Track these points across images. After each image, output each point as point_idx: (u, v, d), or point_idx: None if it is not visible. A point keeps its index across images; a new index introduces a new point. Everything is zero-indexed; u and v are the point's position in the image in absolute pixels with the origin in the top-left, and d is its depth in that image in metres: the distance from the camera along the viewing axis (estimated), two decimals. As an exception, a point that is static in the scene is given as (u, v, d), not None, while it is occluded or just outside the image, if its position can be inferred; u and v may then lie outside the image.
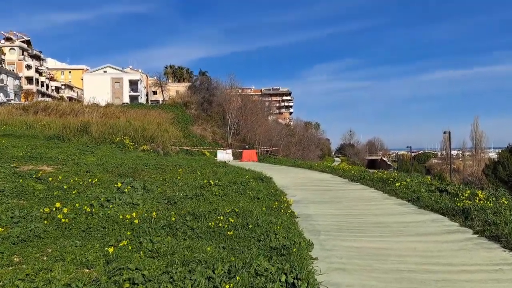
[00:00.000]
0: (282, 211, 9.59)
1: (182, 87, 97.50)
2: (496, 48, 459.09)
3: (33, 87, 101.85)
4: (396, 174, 15.79)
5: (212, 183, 12.23)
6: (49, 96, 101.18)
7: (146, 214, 8.31)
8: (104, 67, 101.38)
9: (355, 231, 8.22)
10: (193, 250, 6.05)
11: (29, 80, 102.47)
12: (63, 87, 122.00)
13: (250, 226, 7.48)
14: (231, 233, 7.01)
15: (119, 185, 10.83)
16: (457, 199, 10.52)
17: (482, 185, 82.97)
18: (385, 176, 15.36)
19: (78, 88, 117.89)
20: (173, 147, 34.63)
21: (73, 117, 36.90)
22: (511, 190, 49.04)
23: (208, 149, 48.04)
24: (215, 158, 35.46)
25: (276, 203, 10.38)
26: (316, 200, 12.29)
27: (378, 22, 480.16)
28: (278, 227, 7.59)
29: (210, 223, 7.47)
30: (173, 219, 7.86)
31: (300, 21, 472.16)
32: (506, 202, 9.49)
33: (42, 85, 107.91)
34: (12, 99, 79.54)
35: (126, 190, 10.57)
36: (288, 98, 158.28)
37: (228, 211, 8.58)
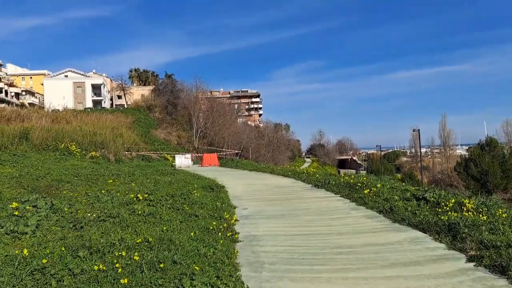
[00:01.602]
0: (220, 234, 7.38)
1: (147, 90, 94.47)
2: (458, 47, 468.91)
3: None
4: (365, 178, 13.76)
5: (141, 197, 9.90)
6: (8, 102, 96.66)
7: (27, 250, 6.00)
8: (65, 72, 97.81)
9: (312, 263, 6.08)
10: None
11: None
12: (23, 93, 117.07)
13: (161, 265, 5.25)
14: (126, 280, 4.77)
15: (15, 204, 8.43)
16: (439, 210, 8.53)
17: (452, 182, 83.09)
18: (352, 181, 13.32)
19: (40, 94, 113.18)
20: (126, 153, 32.03)
21: (19, 123, 33.87)
22: (483, 187, 48.36)
23: (171, 153, 45.47)
24: (173, 163, 33.01)
25: (215, 222, 8.16)
26: (270, 213, 10.13)
27: (340, 23, 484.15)
28: (203, 264, 5.41)
29: (100, 265, 5.18)
30: (55, 257, 5.57)
31: (265, 22, 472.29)
32: (504, 215, 7.49)
33: (1, 92, 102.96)
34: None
35: (25, 211, 8.19)
36: (257, 100, 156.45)
37: (138, 241, 6.30)
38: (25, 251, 5.75)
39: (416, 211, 8.77)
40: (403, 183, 17.22)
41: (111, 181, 13.40)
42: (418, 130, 58.22)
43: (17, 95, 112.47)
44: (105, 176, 14.71)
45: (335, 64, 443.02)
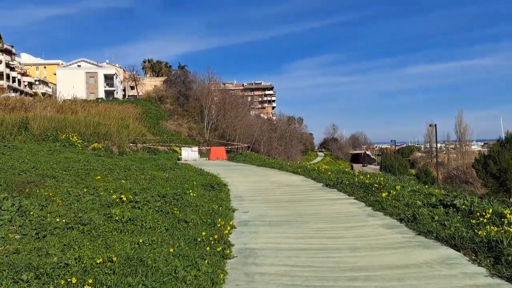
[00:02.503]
0: (209, 248, 6.08)
1: (159, 81, 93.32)
2: (477, 42, 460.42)
3: (4, 83, 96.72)
4: (382, 178, 12.31)
5: (125, 199, 8.64)
6: (21, 92, 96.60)
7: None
8: (78, 61, 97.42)
9: (317, 292, 4.77)
10: None
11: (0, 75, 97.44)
12: (36, 82, 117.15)
13: (119, 298, 3.98)
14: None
15: (-26, 206, 7.23)
16: (474, 222, 7.11)
17: (467, 179, 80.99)
18: (367, 181, 11.90)
19: (53, 84, 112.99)
20: (131, 144, 30.88)
21: (23, 112, 32.90)
22: (502, 186, 46.38)
23: (181, 146, 44.27)
24: (179, 156, 31.76)
25: (205, 231, 6.86)
26: (273, 219, 8.80)
27: (360, 15, 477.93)
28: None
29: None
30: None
31: (283, 14, 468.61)
32: None
33: (14, 81, 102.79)
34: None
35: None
36: (271, 92, 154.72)
37: (99, 261, 5.02)
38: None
39: (445, 222, 7.36)
40: (422, 184, 15.85)
41: (99, 177, 12.16)
42: (435, 125, 56.18)
43: (30, 84, 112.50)
44: (97, 170, 13.51)
45: (352, 57, 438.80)
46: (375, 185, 11.29)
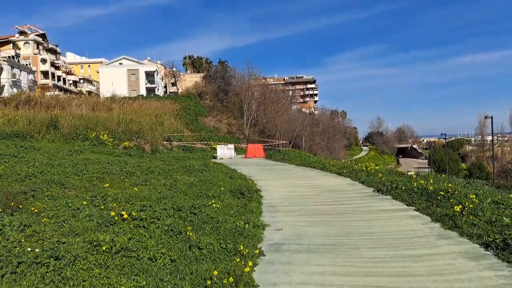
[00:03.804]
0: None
1: (199, 77, 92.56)
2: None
3: (49, 82, 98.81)
4: (450, 184, 10.03)
5: (126, 216, 6.90)
6: (66, 90, 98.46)
7: None
8: (120, 59, 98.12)
9: None
10: None
11: (45, 74, 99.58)
12: (81, 81, 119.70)
13: None
14: None
15: None
16: None
17: (524, 173, 75.92)
18: (431, 187, 9.71)
19: (97, 82, 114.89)
20: (165, 142, 29.50)
21: (59, 110, 32.28)
22: None
23: (220, 143, 42.79)
24: (215, 154, 30.17)
25: (222, 265, 5.05)
26: (313, 241, 6.86)
27: (402, 5, 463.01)
28: None
29: None
30: None
31: (323, 7, 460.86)
32: None
33: (59, 80, 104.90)
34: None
35: None
36: (313, 86, 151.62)
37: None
38: None
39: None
40: (476, 180, 13.51)
41: (114, 182, 10.57)
42: (491, 117, 52.28)
43: (75, 83, 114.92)
44: (114, 174, 11.96)
45: (397, 48, 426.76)
46: (441, 192, 9.11)
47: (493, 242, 6.08)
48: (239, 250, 5.82)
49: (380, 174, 13.83)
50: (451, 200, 8.57)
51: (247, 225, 7.28)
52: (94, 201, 8.64)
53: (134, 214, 6.92)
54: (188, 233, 6.51)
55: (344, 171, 15.77)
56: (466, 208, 7.56)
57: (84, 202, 8.10)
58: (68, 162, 13.73)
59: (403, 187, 10.72)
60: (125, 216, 6.84)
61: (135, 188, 10.10)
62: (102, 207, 7.82)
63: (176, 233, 6.64)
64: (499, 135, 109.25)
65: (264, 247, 6.45)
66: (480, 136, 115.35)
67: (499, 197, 8.53)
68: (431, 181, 10.49)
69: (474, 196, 8.39)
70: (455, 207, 7.65)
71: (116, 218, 6.84)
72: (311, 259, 5.93)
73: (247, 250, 5.82)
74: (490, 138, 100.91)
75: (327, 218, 8.54)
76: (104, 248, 5.36)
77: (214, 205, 8.47)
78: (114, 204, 8.12)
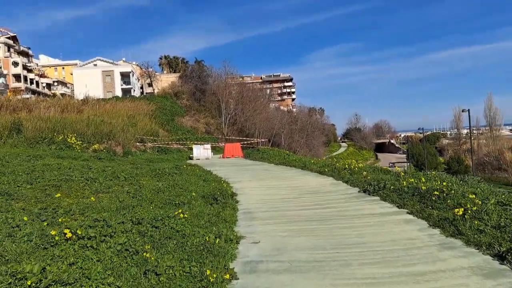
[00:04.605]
0: None
1: (175, 77, 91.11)
2: (500, 25, 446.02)
3: (21, 85, 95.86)
4: (445, 183, 9.09)
5: (70, 235, 5.74)
6: (39, 93, 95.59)
7: None
8: (94, 60, 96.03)
9: None
10: None
11: (17, 77, 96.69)
12: (55, 83, 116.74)
13: None
14: None
15: None
16: None
17: (500, 165, 76.56)
18: (423, 186, 8.77)
19: (71, 84, 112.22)
20: (138, 144, 28.16)
21: (26, 113, 30.57)
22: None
23: (197, 143, 41.52)
24: (191, 155, 28.92)
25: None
26: (296, 256, 5.80)
27: (377, 4, 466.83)
28: None
29: None
30: None
31: (299, 5, 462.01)
32: None
33: (32, 83, 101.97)
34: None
35: None
36: (290, 84, 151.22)
37: None
38: None
39: None
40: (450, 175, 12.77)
41: (59, 195, 9.31)
42: (468, 110, 52.23)
43: (48, 85, 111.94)
44: (74, 181, 10.73)
45: (372, 46, 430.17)
46: (435, 192, 8.16)
47: (509, 253, 5.12)
48: (205, 276, 4.73)
49: (365, 172, 12.88)
50: (448, 201, 7.63)
51: (217, 239, 6.18)
52: (42, 214, 7.45)
53: (80, 233, 5.75)
54: (146, 252, 5.39)
55: (326, 169, 14.77)
56: (469, 211, 6.60)
57: (25, 218, 6.88)
58: (23, 169, 12.42)
59: (392, 187, 9.77)
60: (69, 235, 5.67)
61: (92, 198, 8.92)
62: (46, 224, 6.63)
63: (131, 253, 5.52)
64: (474, 128, 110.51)
65: (237, 267, 5.37)
66: (456, 130, 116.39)
67: (503, 196, 7.60)
68: (423, 179, 9.53)
69: (473, 196, 7.45)
70: (455, 210, 6.68)
71: (56, 238, 5.67)
72: (293, 282, 4.87)
73: (215, 275, 4.73)
74: (465, 131, 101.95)
75: (310, 226, 7.50)
76: (29, 283, 4.19)
77: (181, 215, 7.34)
78: (62, 219, 6.94)
